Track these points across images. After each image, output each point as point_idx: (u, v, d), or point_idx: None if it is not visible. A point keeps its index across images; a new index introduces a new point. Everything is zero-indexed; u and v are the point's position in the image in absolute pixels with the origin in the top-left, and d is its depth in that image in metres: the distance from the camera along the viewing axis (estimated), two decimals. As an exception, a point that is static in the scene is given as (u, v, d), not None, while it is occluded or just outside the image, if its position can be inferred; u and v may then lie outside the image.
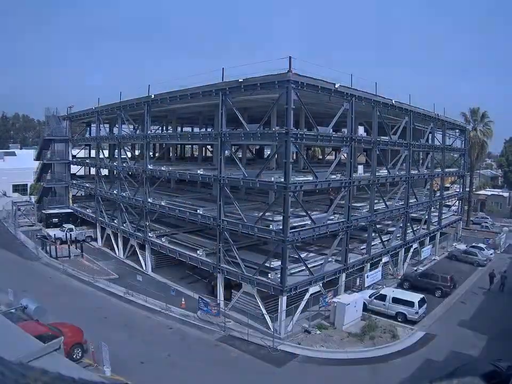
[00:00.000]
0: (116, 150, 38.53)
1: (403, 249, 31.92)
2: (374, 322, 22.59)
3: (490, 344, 20.48)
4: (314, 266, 23.73)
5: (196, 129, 52.59)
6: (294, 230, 21.49)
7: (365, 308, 24.29)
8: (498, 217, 59.16)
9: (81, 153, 52.92)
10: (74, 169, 49.57)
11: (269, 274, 22.18)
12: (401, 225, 31.88)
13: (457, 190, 46.88)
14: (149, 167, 31.36)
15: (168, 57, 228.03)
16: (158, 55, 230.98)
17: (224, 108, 23.65)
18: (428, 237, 36.69)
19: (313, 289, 22.92)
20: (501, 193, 66.24)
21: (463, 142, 46.30)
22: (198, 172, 28.24)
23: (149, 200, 31.30)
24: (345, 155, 26.67)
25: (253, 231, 22.61)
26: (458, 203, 46.73)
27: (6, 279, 26.26)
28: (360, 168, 27.71)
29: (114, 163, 37.47)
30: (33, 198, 52.00)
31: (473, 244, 39.21)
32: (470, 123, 51.21)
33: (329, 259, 24.49)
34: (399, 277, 30.84)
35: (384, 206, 29.35)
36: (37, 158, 48.18)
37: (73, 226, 39.29)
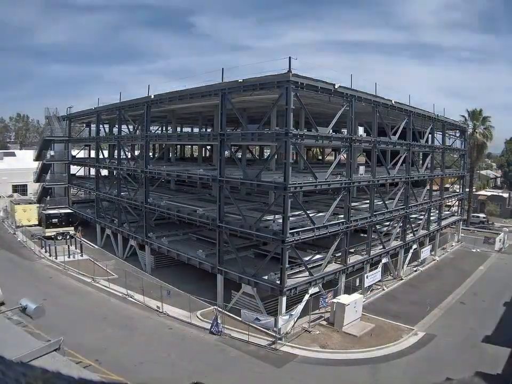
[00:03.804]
0: (116, 150, 38.54)
1: (403, 250, 31.92)
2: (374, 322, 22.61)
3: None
4: (314, 267, 23.75)
5: (196, 130, 52.65)
6: (293, 231, 21.49)
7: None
8: (498, 218, 59.16)
9: (81, 154, 53.05)
10: (74, 169, 49.62)
11: (268, 275, 22.22)
12: (401, 225, 31.88)
13: (457, 191, 46.90)
14: (149, 167, 31.38)
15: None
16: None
17: (223, 108, 23.67)
18: (428, 238, 36.69)
19: (313, 290, 22.93)
20: (500, 194, 66.24)
21: (463, 142, 46.31)
22: (198, 172, 28.27)
23: (149, 200, 31.32)
24: (345, 156, 26.69)
25: (253, 232, 22.64)
26: (458, 204, 46.74)
27: (6, 280, 26.24)
28: (362, 169, 27.70)
29: (114, 163, 37.47)
30: (33, 198, 52.01)
31: None
32: (469, 126, 51.07)
33: (329, 259, 24.50)
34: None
35: (384, 207, 29.36)
36: (37, 159, 48.15)
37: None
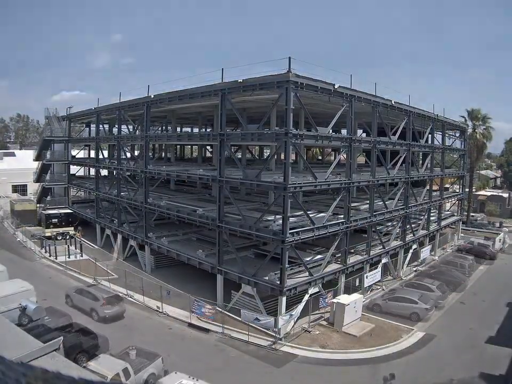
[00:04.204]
0: (116, 151, 38.56)
1: (402, 250, 31.93)
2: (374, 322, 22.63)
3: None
4: (313, 267, 23.76)
5: (196, 130, 52.67)
6: (293, 231, 21.50)
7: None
8: (498, 218, 59.13)
9: (81, 154, 53.09)
10: (73, 169, 49.64)
11: (268, 275, 22.22)
12: (401, 225, 31.89)
13: (457, 191, 46.91)
14: (149, 167, 31.38)
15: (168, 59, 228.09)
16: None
17: (223, 109, 23.67)
18: (428, 238, 36.71)
19: (312, 290, 22.94)
20: (500, 194, 66.26)
21: (463, 142, 46.33)
22: (197, 172, 28.27)
23: (148, 200, 31.32)
24: (345, 156, 26.70)
25: (252, 232, 22.64)
26: (458, 204, 46.76)
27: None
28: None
29: (114, 163, 37.48)
30: (33, 198, 52.03)
31: None
32: (469, 126, 50.98)
33: (329, 259, 24.51)
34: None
35: (384, 207, 29.37)
36: (36, 159, 48.18)
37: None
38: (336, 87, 22.67)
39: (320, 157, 62.73)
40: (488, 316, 24.46)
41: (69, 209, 43.44)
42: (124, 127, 38.41)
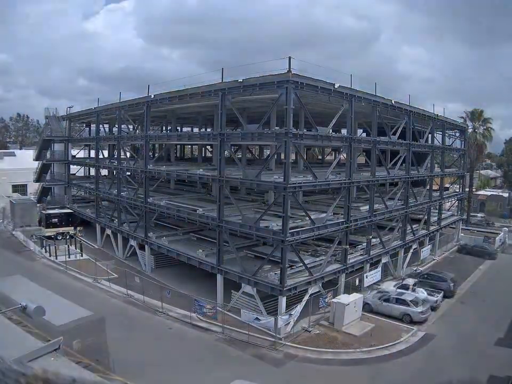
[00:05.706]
0: (116, 150, 38.57)
1: (402, 249, 31.93)
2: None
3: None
4: (313, 267, 23.76)
5: (196, 130, 52.66)
6: (293, 230, 21.49)
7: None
8: (498, 218, 59.17)
9: (81, 154, 53.12)
10: (73, 169, 49.65)
11: (268, 274, 22.23)
12: (401, 225, 31.89)
13: (457, 190, 46.90)
14: (149, 167, 31.37)
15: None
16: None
17: (223, 108, 23.67)
18: (428, 237, 36.71)
19: (312, 290, 22.95)
20: (500, 194, 66.32)
21: (463, 142, 46.32)
22: (197, 171, 28.29)
23: (149, 200, 31.32)
24: (345, 155, 26.72)
25: (252, 232, 22.64)
26: (458, 203, 46.76)
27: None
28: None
29: (114, 163, 37.48)
30: (33, 197, 52.04)
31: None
32: (469, 126, 50.89)
33: (329, 259, 24.52)
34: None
35: (384, 206, 29.37)
36: (37, 158, 48.19)
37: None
38: (336, 86, 22.67)
39: (320, 157, 62.69)
40: (489, 316, 24.42)
41: (69, 209, 43.43)
42: (124, 127, 38.38)
